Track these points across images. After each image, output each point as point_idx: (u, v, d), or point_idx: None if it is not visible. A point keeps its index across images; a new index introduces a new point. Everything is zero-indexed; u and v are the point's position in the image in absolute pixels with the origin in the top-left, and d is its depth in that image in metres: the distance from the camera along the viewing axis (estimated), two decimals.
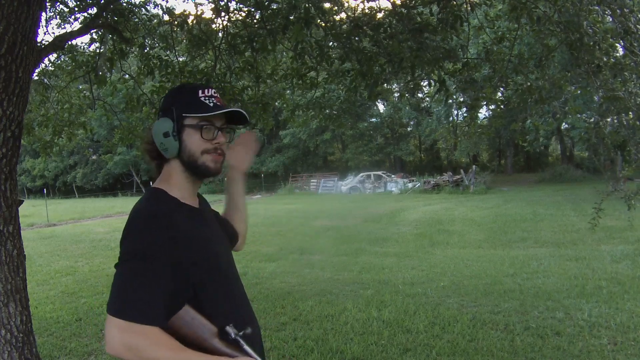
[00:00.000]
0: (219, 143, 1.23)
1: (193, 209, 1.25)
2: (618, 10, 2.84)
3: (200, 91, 1.22)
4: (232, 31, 4.49)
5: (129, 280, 1.06)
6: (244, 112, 1.25)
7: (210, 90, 1.24)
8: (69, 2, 5.02)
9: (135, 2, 5.11)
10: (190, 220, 1.20)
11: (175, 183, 1.23)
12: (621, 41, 3.17)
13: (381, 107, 35.88)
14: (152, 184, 1.29)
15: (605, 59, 2.99)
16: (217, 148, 1.22)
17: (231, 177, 1.57)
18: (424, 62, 3.70)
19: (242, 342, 1.13)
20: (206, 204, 1.40)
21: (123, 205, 21.73)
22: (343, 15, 4.41)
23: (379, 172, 28.52)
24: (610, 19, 3.31)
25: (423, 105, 34.17)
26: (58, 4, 4.96)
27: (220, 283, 1.23)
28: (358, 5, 4.19)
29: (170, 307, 1.08)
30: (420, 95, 31.46)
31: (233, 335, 1.13)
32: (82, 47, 6.02)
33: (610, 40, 3.18)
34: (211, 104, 1.21)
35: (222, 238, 1.35)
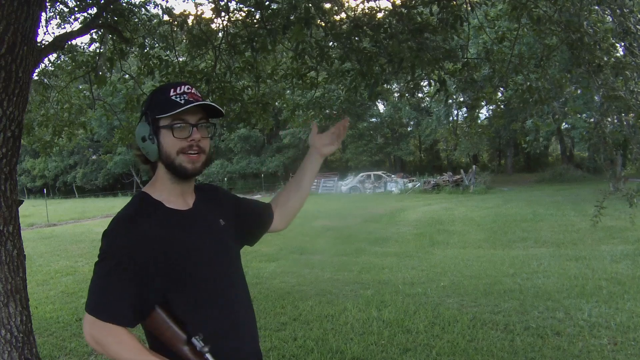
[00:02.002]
0: (194, 140, 1.19)
1: (177, 213, 1.22)
2: (618, 10, 2.84)
3: (172, 90, 1.20)
4: (232, 31, 4.49)
5: (98, 279, 1.12)
6: (216, 105, 1.23)
7: (183, 87, 1.20)
8: (69, 2, 5.02)
9: (135, 2, 5.11)
10: (168, 224, 1.19)
11: (161, 185, 1.24)
12: (621, 41, 3.17)
13: (381, 107, 35.89)
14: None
15: (605, 59, 2.99)
16: (192, 146, 1.19)
17: (310, 155, 1.56)
18: (424, 62, 3.70)
19: (208, 356, 1.13)
20: (210, 195, 1.36)
21: (123, 205, 21.68)
22: (343, 15, 4.40)
23: (379, 172, 28.53)
24: (610, 19, 3.32)
25: (423, 105, 34.17)
26: (58, 4, 4.95)
27: (195, 290, 1.19)
28: (358, 5, 4.19)
29: (139, 309, 1.12)
30: (420, 95, 31.47)
31: (198, 348, 1.13)
32: (82, 47, 6.01)
33: (611, 40, 3.18)
34: (182, 101, 1.17)
35: (215, 242, 1.28)
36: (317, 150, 1.55)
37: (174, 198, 1.24)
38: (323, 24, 3.94)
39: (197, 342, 1.13)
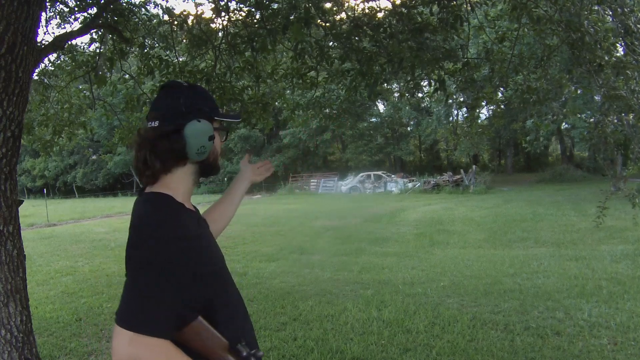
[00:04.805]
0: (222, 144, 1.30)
1: (195, 215, 1.22)
2: (619, 10, 2.84)
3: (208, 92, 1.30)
4: (232, 31, 4.49)
5: (142, 291, 1.02)
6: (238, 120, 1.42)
7: None
8: (69, 2, 5.02)
9: (135, 2, 5.12)
10: (198, 227, 1.17)
11: (181, 187, 1.19)
12: (622, 40, 3.17)
13: (381, 107, 35.90)
14: (148, 188, 1.20)
15: (606, 58, 2.99)
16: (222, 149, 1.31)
17: (241, 178, 1.64)
18: (424, 62, 3.70)
19: None
20: None
21: (123, 205, 21.74)
22: (343, 15, 4.40)
23: (379, 172, 28.53)
24: (611, 19, 3.32)
25: (423, 105, 34.18)
26: (58, 4, 4.95)
27: (230, 293, 1.21)
28: (358, 5, 4.19)
29: (183, 319, 1.05)
30: (420, 95, 31.45)
31: (245, 354, 1.11)
32: (82, 47, 6.02)
33: (612, 39, 3.18)
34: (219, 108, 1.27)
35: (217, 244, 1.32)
36: (247, 175, 1.65)
37: (188, 201, 1.22)
38: (323, 24, 3.94)
39: (244, 349, 1.11)
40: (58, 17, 5.21)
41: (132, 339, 0.98)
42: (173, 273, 1.03)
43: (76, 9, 4.76)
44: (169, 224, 1.09)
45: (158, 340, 0.99)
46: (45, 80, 5.61)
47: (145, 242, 1.06)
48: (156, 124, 1.16)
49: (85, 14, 4.72)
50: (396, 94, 32.50)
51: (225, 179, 32.72)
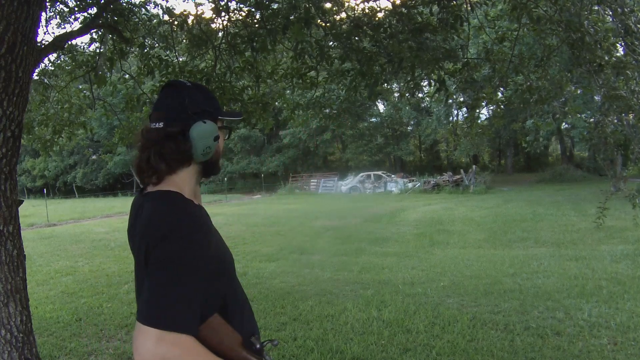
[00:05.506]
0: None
1: (205, 211, 1.22)
2: (619, 10, 2.84)
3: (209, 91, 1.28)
4: (232, 31, 4.50)
5: (167, 287, 0.99)
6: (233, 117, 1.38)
7: None
8: (69, 2, 5.02)
9: (135, 2, 5.12)
10: (210, 223, 1.18)
11: (187, 187, 1.19)
12: (622, 40, 3.17)
13: (381, 107, 35.89)
14: (151, 187, 1.19)
15: (606, 58, 2.99)
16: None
17: None
18: (424, 62, 3.70)
19: (266, 353, 1.13)
20: None
21: (123, 205, 21.71)
22: (343, 15, 4.41)
23: (379, 172, 28.52)
24: (611, 19, 3.32)
25: (423, 105, 34.18)
26: (58, 4, 4.96)
27: (237, 288, 1.22)
28: (358, 5, 4.20)
29: (203, 315, 1.05)
30: (420, 95, 31.47)
31: (258, 346, 1.12)
32: (82, 47, 6.02)
33: (612, 39, 3.18)
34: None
35: None
36: None
37: (192, 200, 1.22)
38: (323, 24, 3.94)
39: (257, 341, 1.12)
40: (58, 17, 5.21)
41: (160, 337, 0.94)
42: (196, 268, 1.02)
43: (76, 9, 4.76)
44: (187, 220, 1.07)
45: (187, 337, 0.97)
46: (45, 80, 5.61)
47: (165, 239, 1.03)
48: (161, 125, 1.15)
49: (85, 14, 4.73)
50: (396, 94, 32.50)
51: (225, 179, 32.76)
